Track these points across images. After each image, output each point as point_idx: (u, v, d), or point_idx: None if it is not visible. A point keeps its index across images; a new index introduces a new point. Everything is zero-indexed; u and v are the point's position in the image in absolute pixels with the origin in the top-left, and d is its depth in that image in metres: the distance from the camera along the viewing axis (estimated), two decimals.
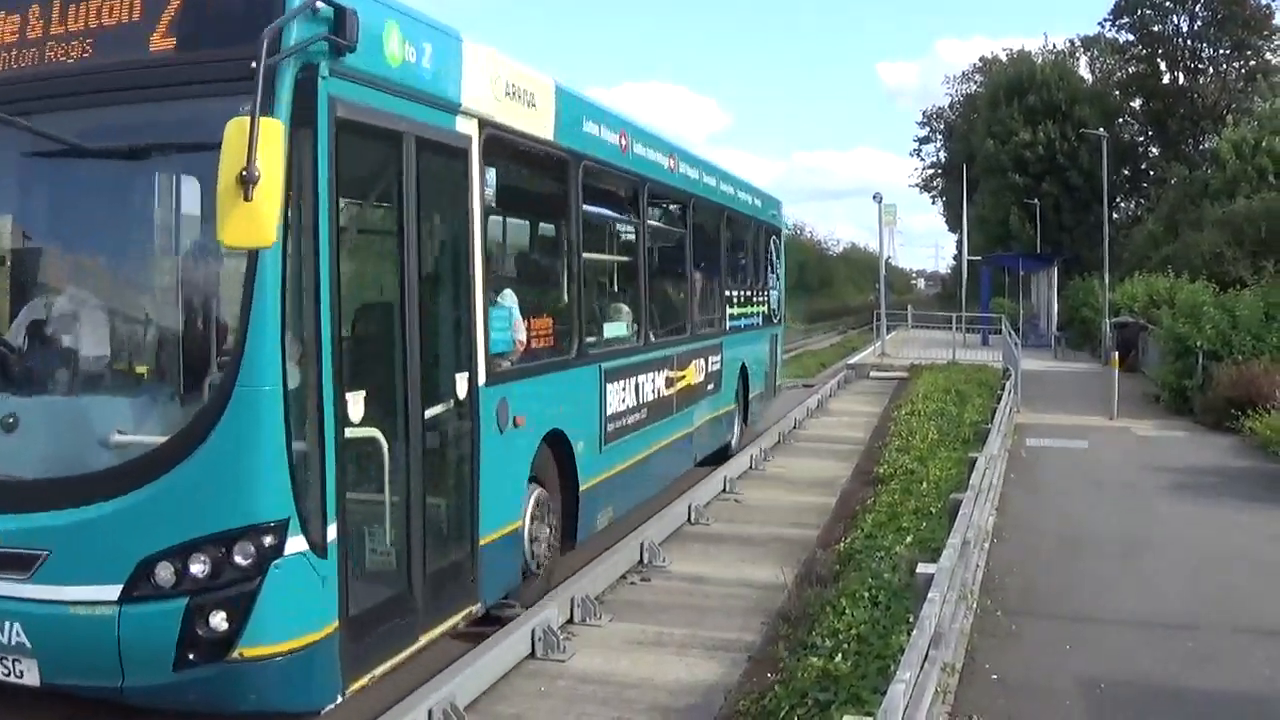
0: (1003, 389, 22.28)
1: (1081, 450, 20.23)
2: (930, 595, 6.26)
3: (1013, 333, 35.40)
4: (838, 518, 14.12)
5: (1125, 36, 75.90)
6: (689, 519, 13.63)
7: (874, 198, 43.69)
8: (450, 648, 8.49)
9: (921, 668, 5.59)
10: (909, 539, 11.24)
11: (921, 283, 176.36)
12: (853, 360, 40.92)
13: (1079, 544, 12.92)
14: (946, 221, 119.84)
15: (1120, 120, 71.93)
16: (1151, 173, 75.83)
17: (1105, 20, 76.36)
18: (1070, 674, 8.62)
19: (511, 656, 8.36)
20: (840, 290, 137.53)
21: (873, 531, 11.94)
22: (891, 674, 6.96)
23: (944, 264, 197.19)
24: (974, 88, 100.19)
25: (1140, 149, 77.05)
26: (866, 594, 9.24)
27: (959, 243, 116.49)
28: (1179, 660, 9.02)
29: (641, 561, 11.42)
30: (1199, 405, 23.93)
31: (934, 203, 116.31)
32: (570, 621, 9.42)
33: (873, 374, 36.47)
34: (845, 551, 11.26)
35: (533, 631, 8.62)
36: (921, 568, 6.86)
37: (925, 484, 14.62)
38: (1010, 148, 74.43)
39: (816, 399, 27.00)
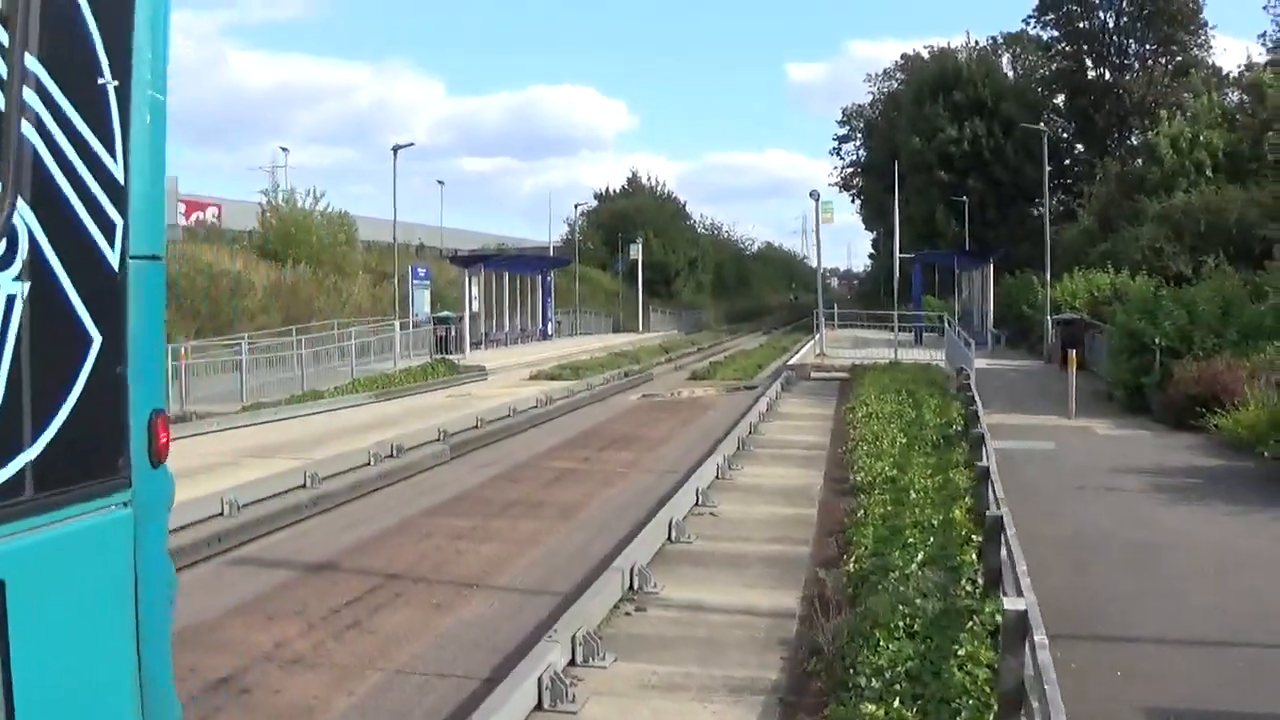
0: (965, 390, 21.74)
1: (1050, 451, 19.70)
2: (1038, 639, 5.40)
3: (962, 331, 34.93)
4: (825, 531, 13.49)
5: (1050, 33, 76.39)
6: (669, 537, 12.76)
7: (810, 195, 43.64)
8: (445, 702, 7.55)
9: None
10: (920, 556, 10.47)
11: (835, 281, 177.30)
12: (792, 361, 40.38)
13: (1084, 553, 12.28)
14: (864, 219, 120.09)
15: (1045, 116, 72.17)
16: (1077, 169, 76.32)
17: (1030, 17, 77.04)
18: (1131, 704, 7.88)
19: (518, 711, 7.37)
20: (758, 290, 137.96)
21: (878, 550, 11.17)
22: None
23: (858, 262, 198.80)
24: (895, 85, 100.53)
25: (1065, 145, 77.58)
26: (901, 624, 8.42)
27: (875, 241, 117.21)
28: (1238, 681, 8.38)
29: (632, 588, 10.51)
30: (1158, 403, 23.46)
31: (854, 201, 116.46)
32: (573, 663, 8.47)
33: (814, 375, 36.06)
34: (857, 573, 10.44)
35: (539, 680, 7.66)
36: (1009, 603, 6.00)
37: (914, 493, 13.93)
38: (936, 145, 74.65)
39: (765, 402, 26.49)
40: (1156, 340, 24.06)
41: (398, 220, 45.33)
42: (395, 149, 44.27)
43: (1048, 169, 46.61)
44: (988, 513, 8.93)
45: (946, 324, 40.45)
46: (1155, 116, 56.31)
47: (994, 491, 10.16)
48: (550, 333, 61.20)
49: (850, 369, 35.13)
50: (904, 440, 18.95)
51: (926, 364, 34.26)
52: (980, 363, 33.70)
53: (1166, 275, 35.04)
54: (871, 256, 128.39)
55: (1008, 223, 72.46)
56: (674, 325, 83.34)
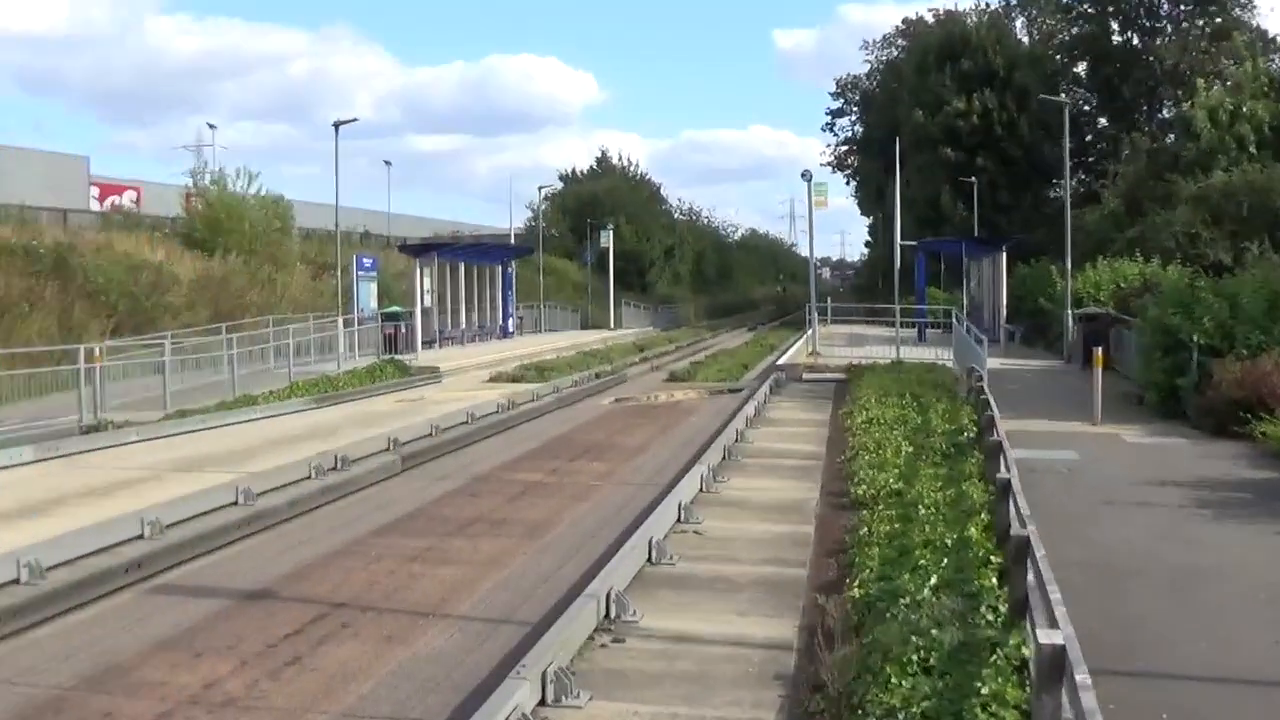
0: (978, 393, 21.69)
1: (1073, 462, 19.65)
2: (1079, 678, 5.30)
3: (973, 327, 34.89)
4: (824, 551, 13.42)
5: None
6: (649, 558, 12.64)
7: (802, 175, 43.38)
8: None
9: None
10: (933, 580, 10.37)
11: (826, 272, 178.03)
12: (781, 361, 40.37)
13: (1118, 577, 12.18)
14: (859, 203, 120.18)
15: (1064, 86, 72.02)
16: (1100, 145, 76.25)
17: None
18: None
19: None
20: (742, 282, 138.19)
21: (884, 572, 11.06)
22: None
23: (853, 251, 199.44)
24: (895, 53, 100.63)
25: (1087, 119, 77.47)
26: (914, 657, 8.30)
27: (872, 227, 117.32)
28: None
29: (609, 616, 10.39)
30: (1195, 408, 23.42)
31: (849, 183, 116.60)
32: (543, 703, 8.34)
33: (806, 376, 36.04)
34: (862, 599, 10.33)
35: None
36: (1043, 636, 5.90)
37: (923, 509, 13.84)
38: (941, 119, 74.63)
39: (753, 406, 26.42)
40: (1193, 337, 24.03)
41: (340, 205, 45.13)
42: (337, 125, 44.11)
43: (1068, 145, 46.46)
44: (1011, 531, 8.82)
45: (954, 319, 40.36)
46: (1191, 86, 55.65)
47: (1016, 507, 10.06)
48: (511, 330, 61.13)
49: (847, 369, 35.10)
50: (910, 449, 18.85)
51: (932, 364, 34.25)
52: (992, 362, 33.81)
53: (1203, 264, 35.14)
54: (868, 244, 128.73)
55: (1021, 206, 72.49)
56: (649, 321, 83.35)
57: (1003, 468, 12.90)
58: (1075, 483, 17.79)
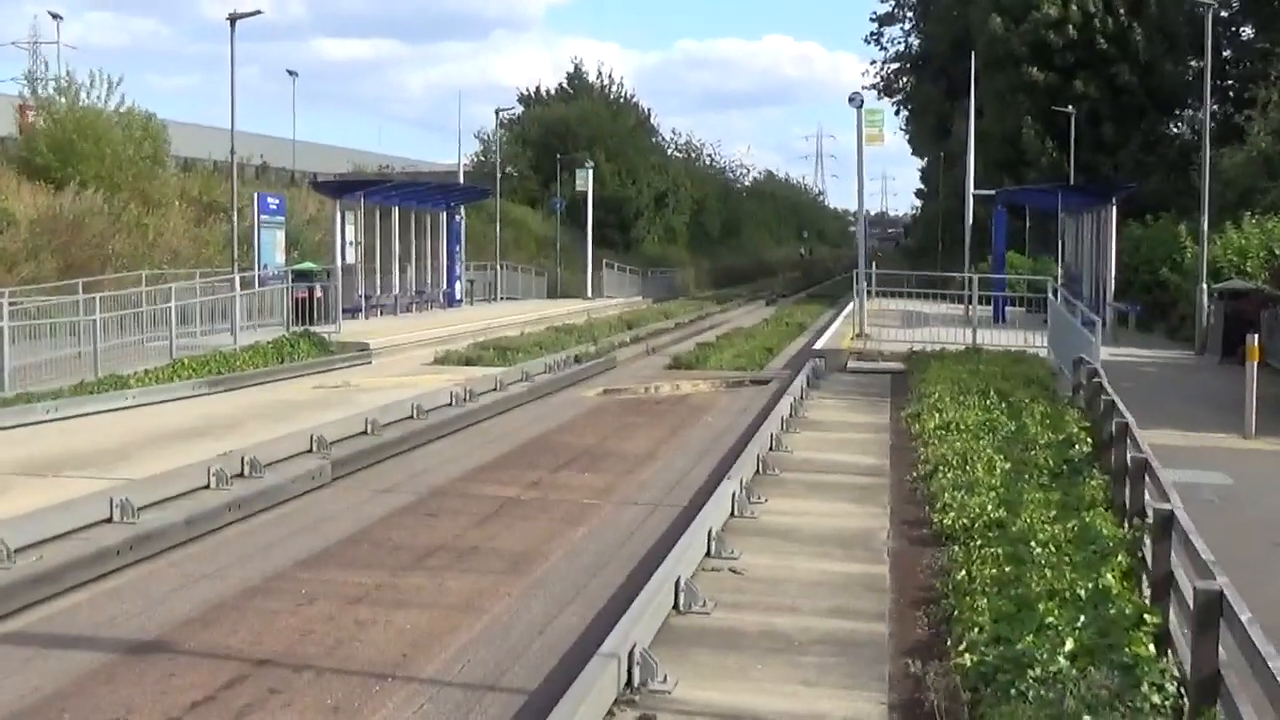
0: (1091, 390, 21.53)
1: (1225, 488, 19.50)
2: None
3: (1079, 305, 34.69)
4: (907, 600, 13.26)
5: None
6: (676, 604, 12.39)
7: (850, 100, 42.91)
8: None
9: None
10: (1068, 645, 10.12)
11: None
12: (819, 344, 40.26)
13: None
14: (910, 140, 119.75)
15: None
16: (1245, 64, 75.40)
17: None
18: None
19: None
20: (753, 240, 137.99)
21: (999, 632, 10.81)
22: None
23: (899, 203, 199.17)
24: None
25: (1226, 29, 76.55)
26: None
27: (926, 172, 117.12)
28: None
29: (630, 684, 10.13)
30: None
31: (898, 113, 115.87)
32: None
33: (852, 365, 35.99)
34: (974, 668, 10.08)
35: None
36: None
37: (1037, 546, 13.61)
38: (1027, 28, 74.23)
39: (788, 403, 26.17)
40: None
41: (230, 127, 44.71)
42: (233, 19, 43.71)
43: (1210, 59, 45.81)
44: (1196, 584, 8.56)
45: (1050, 293, 40.04)
46: None
47: (1191, 550, 9.81)
48: (459, 297, 60.94)
49: (906, 357, 35.12)
50: (1006, 465, 18.70)
51: (1019, 352, 34.10)
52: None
53: None
54: (920, 194, 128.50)
55: (1130, 146, 72.04)
56: (636, 289, 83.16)
57: (1147, 493, 12.61)
58: (1230, 516, 17.57)
